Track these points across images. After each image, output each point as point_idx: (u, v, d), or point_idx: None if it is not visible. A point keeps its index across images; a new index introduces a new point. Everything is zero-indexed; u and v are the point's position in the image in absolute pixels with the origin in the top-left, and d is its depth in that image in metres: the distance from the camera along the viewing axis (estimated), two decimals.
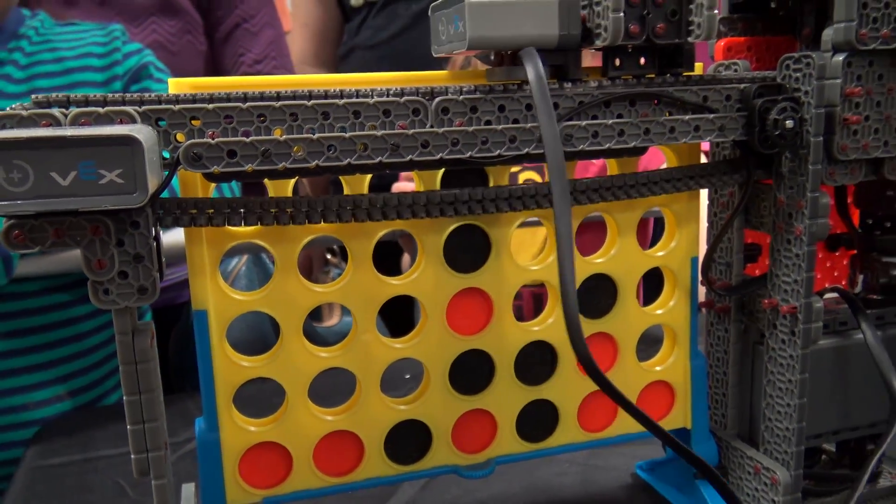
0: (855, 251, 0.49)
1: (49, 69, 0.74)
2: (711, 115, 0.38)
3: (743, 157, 0.41)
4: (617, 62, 0.38)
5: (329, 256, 1.15)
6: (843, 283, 0.50)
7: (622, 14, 0.35)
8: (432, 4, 0.38)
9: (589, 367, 0.32)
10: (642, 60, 0.38)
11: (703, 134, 0.38)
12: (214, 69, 1.06)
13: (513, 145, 0.36)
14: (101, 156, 0.26)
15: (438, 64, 1.14)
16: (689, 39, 0.36)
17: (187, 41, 1.02)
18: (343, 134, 0.33)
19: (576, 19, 0.35)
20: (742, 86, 0.39)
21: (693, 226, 0.44)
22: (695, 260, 0.44)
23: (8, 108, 0.31)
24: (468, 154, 0.35)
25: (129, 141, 0.26)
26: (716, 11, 0.35)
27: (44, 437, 0.66)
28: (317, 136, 0.33)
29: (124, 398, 0.34)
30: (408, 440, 0.42)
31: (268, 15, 1.07)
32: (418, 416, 0.41)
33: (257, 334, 0.83)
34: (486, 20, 0.34)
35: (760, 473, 0.43)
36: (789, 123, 0.38)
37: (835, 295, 0.47)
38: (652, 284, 0.48)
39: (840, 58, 0.38)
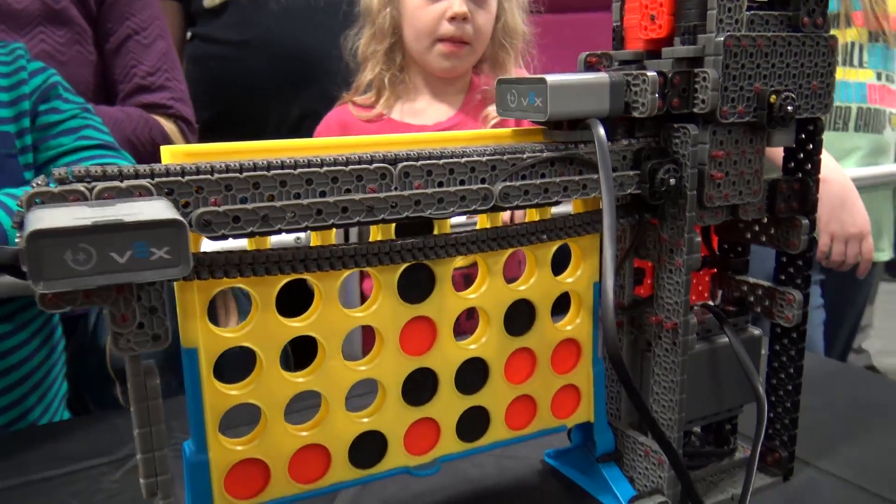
0: (715, 270, 0.61)
1: None
2: (614, 174, 0.47)
3: (634, 205, 0.51)
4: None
5: None
6: (706, 295, 0.62)
7: (657, 95, 0.46)
8: (500, 77, 0.48)
9: (622, 375, 0.43)
10: None
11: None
12: (104, 80, 1.06)
13: (463, 203, 0.43)
14: (153, 237, 0.31)
15: (314, 54, 1.20)
16: (695, 111, 0.48)
17: (76, 51, 1.01)
18: (328, 199, 0.39)
19: (621, 96, 0.46)
20: (635, 149, 0.49)
21: (595, 257, 0.53)
22: (597, 285, 0.54)
23: (33, 184, 0.35)
24: (428, 212, 0.42)
25: (176, 224, 0.31)
26: (716, 91, 0.47)
27: None
28: (307, 201, 0.39)
29: (136, 431, 0.38)
30: (368, 448, 0.48)
31: (158, 27, 1.08)
32: (377, 427, 0.48)
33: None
34: (561, 98, 0.44)
35: (650, 456, 0.54)
36: (672, 181, 0.48)
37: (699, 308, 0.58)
38: None
39: (708, 129, 0.48)
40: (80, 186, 0.35)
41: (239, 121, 1.27)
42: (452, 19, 0.96)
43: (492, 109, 1.02)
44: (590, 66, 0.52)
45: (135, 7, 1.04)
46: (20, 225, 0.34)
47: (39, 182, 0.35)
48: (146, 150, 0.98)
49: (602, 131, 0.44)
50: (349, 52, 1.06)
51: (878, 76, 1.34)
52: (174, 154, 0.39)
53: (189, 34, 1.28)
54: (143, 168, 0.37)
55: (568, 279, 0.53)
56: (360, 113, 1.05)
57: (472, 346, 0.50)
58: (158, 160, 1.09)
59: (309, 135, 1.15)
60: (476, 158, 0.44)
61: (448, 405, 0.50)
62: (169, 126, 1.03)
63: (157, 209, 0.33)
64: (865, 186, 1.27)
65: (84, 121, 0.78)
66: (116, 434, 0.69)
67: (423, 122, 1.03)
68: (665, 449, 0.47)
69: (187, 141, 1.05)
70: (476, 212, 0.44)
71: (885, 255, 1.38)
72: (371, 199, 0.40)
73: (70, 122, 0.77)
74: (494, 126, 1.02)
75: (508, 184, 0.44)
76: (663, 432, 0.46)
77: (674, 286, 0.51)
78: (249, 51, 1.25)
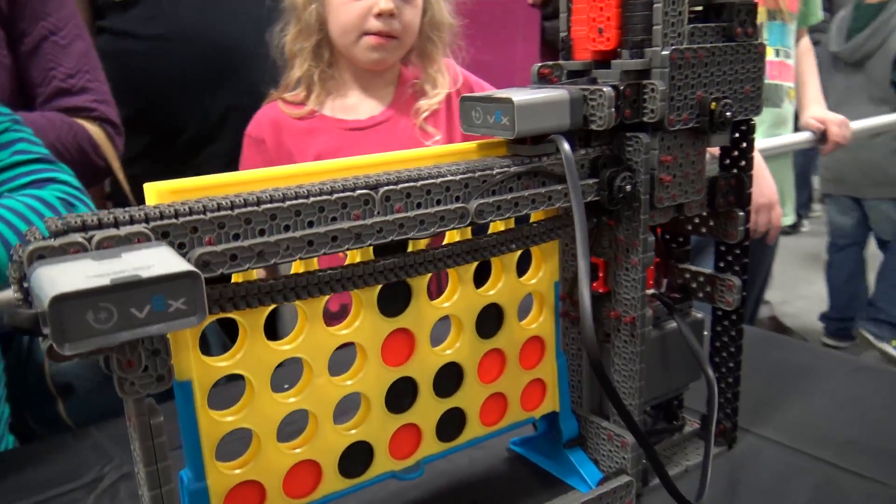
0: (659, 259, 0.65)
1: None
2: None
3: (591, 209, 0.54)
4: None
5: None
6: (651, 283, 0.66)
7: (613, 109, 0.49)
8: (463, 94, 0.50)
9: (599, 374, 0.46)
10: None
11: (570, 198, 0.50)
12: (21, 83, 1.01)
13: (443, 223, 0.45)
14: (170, 289, 0.31)
15: (236, 45, 1.18)
16: (645, 119, 0.51)
17: None
18: (319, 229, 0.41)
19: (580, 111, 0.50)
20: (591, 157, 0.52)
21: (555, 259, 0.56)
22: (557, 284, 0.57)
23: (29, 238, 0.34)
24: (411, 234, 0.44)
25: (192, 275, 0.32)
26: (664, 102, 0.50)
27: None
28: (299, 233, 0.40)
29: (143, 469, 0.39)
30: (356, 458, 0.50)
31: (76, 27, 1.03)
32: (363, 438, 0.50)
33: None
34: (527, 116, 0.47)
35: (613, 439, 0.58)
36: (629, 187, 0.51)
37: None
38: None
39: (657, 136, 0.52)
40: (79, 237, 0.35)
41: (159, 117, 1.24)
42: (379, 15, 0.96)
43: (423, 103, 1.04)
44: (542, 78, 0.55)
45: (49, 6, 0.99)
46: (20, 281, 0.34)
47: (37, 236, 0.35)
48: (72, 157, 0.95)
49: (568, 148, 0.47)
50: (276, 49, 1.05)
51: (777, 53, 1.43)
52: (160, 193, 0.40)
53: (97, 28, 1.23)
54: (136, 212, 0.37)
55: (531, 281, 0.56)
56: (290, 110, 1.04)
57: (448, 352, 0.53)
58: (86, 167, 1.05)
59: (235, 129, 1.13)
60: (450, 178, 0.46)
61: (428, 409, 0.53)
62: (94, 130, 0.99)
63: (166, 259, 0.33)
64: (769, 157, 1.36)
65: (17, 133, 0.75)
66: (78, 457, 0.68)
67: (357, 118, 1.04)
68: (637, 437, 0.51)
69: (114, 144, 1.02)
70: (454, 228, 0.46)
71: (788, 220, 1.49)
72: (359, 226, 0.42)
73: (1, 136, 0.74)
74: (426, 119, 1.03)
75: (482, 201, 0.46)
76: (636, 423, 0.50)
77: (631, 283, 0.55)
78: (165, 44, 1.21)
